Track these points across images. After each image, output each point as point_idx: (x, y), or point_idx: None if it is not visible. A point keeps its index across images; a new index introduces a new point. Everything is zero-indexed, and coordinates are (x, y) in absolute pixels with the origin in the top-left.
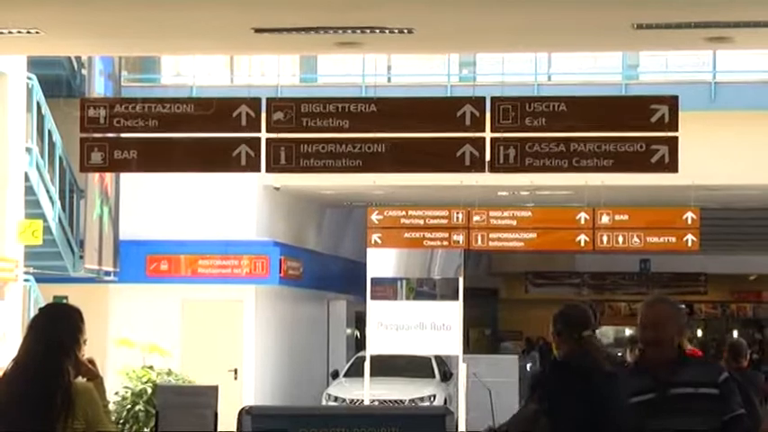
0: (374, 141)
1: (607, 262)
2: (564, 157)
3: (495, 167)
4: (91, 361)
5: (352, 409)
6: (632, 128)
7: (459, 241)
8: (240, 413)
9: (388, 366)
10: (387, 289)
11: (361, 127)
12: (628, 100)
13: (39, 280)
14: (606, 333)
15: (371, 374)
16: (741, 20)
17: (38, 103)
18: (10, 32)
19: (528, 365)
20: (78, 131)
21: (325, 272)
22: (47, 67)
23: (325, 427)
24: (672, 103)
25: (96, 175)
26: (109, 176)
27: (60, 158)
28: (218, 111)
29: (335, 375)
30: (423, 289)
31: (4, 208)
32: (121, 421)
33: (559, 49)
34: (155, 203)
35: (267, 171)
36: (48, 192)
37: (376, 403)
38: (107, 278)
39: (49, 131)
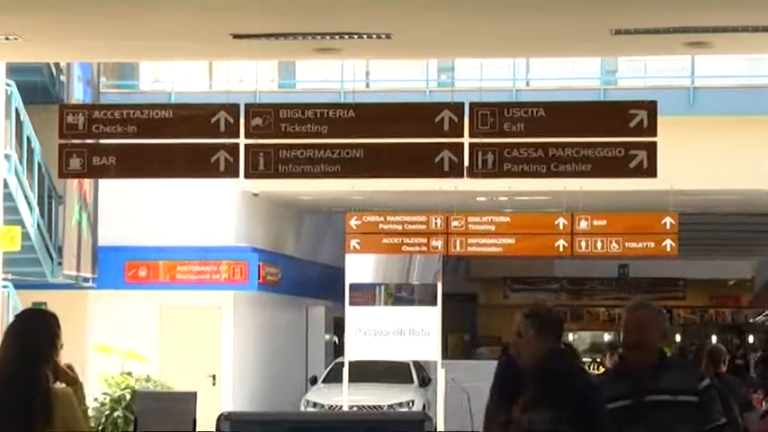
0: (353, 147)
1: (585, 267)
2: (542, 163)
3: (473, 173)
4: (69, 367)
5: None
6: (611, 133)
7: (437, 247)
8: (218, 419)
9: (367, 372)
10: (365, 294)
11: (339, 133)
12: (606, 105)
13: (17, 286)
14: (584, 339)
15: (350, 380)
16: (720, 25)
17: (16, 110)
18: None
19: None
20: (57, 138)
21: (304, 278)
22: (25, 73)
23: None
24: (650, 108)
25: (75, 181)
26: (87, 182)
27: (39, 165)
28: (197, 117)
29: (314, 381)
30: (401, 294)
31: None
32: (100, 427)
33: (538, 54)
34: (133, 209)
35: (246, 177)
36: (26, 198)
37: (354, 409)
38: (86, 284)
39: (28, 138)
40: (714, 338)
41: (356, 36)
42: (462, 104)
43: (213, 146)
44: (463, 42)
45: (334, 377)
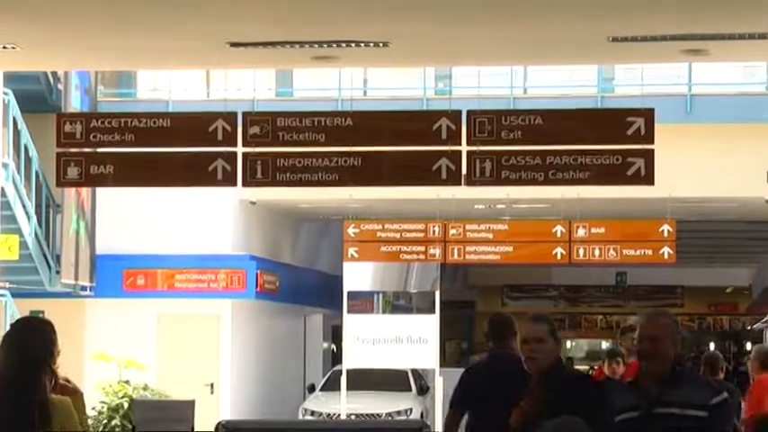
0: (350, 155)
1: (583, 275)
2: (540, 170)
3: (471, 181)
4: (66, 380)
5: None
6: (608, 140)
7: (435, 254)
8: (217, 427)
9: (365, 380)
10: (363, 303)
11: (337, 141)
12: (604, 113)
13: (15, 295)
14: (581, 346)
15: (348, 388)
16: (716, 32)
17: (14, 118)
18: None
19: None
20: (54, 146)
21: (302, 286)
22: (23, 82)
23: None
24: (648, 115)
25: (73, 190)
26: (85, 191)
27: (37, 173)
28: (195, 125)
29: (312, 389)
30: (399, 302)
31: None
32: None
33: (535, 62)
34: (131, 218)
35: (243, 185)
36: (24, 207)
37: (353, 417)
38: (83, 293)
39: (26, 146)
40: (712, 346)
41: (354, 44)
42: (460, 112)
43: (211, 154)
44: (461, 50)
45: (332, 385)
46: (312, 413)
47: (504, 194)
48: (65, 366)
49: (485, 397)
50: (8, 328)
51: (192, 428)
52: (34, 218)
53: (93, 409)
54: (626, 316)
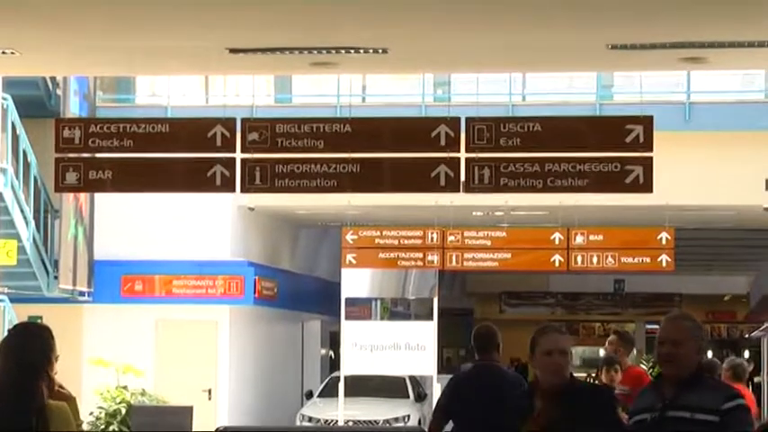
0: (349, 162)
1: (581, 282)
2: (539, 178)
3: (469, 188)
4: (60, 386)
5: (327, 430)
6: (607, 148)
7: (433, 261)
8: None
9: (363, 386)
10: (361, 309)
11: (335, 147)
12: (602, 120)
13: (13, 300)
14: (578, 354)
15: (346, 395)
16: (715, 40)
17: (13, 124)
18: None
19: None
20: (53, 151)
21: (300, 292)
22: (22, 87)
23: None
24: (647, 123)
25: (71, 196)
26: (83, 196)
27: (35, 178)
28: (193, 131)
29: (310, 395)
30: (397, 309)
31: None
32: None
33: (534, 69)
34: (129, 224)
35: (242, 191)
36: (22, 212)
37: (350, 424)
38: (81, 298)
39: (24, 152)
40: (710, 354)
41: (353, 51)
42: (459, 119)
43: (209, 160)
44: (460, 57)
45: (329, 391)
46: (310, 419)
47: (503, 201)
48: (62, 372)
49: (469, 406)
50: (6, 333)
51: None
52: (32, 223)
53: (91, 414)
54: (624, 323)
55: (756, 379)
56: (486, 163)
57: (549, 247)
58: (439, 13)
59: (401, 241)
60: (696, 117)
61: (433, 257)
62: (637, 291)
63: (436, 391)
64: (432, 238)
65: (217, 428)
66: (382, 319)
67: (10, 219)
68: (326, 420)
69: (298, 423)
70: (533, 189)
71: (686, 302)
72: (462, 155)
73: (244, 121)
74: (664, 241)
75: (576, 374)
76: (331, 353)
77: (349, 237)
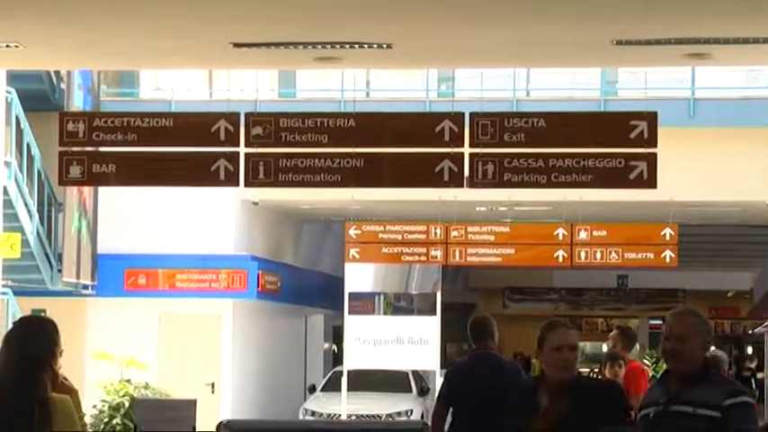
0: (352, 156)
1: (584, 277)
2: (542, 173)
3: (473, 183)
4: (63, 378)
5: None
6: (611, 144)
7: (436, 256)
8: (218, 427)
9: (366, 381)
10: (364, 304)
11: (339, 142)
12: (607, 116)
13: (17, 293)
14: (582, 349)
15: (348, 389)
16: (720, 36)
17: (17, 117)
18: None
19: None
20: (57, 145)
21: (303, 286)
22: (26, 80)
23: None
24: (651, 119)
25: (75, 189)
26: (87, 190)
27: (39, 172)
28: (197, 125)
29: (312, 390)
30: (400, 304)
31: None
32: None
33: (539, 64)
34: (133, 217)
35: (246, 185)
36: (26, 205)
37: (353, 418)
38: (85, 291)
39: (28, 145)
40: (713, 349)
41: (357, 46)
42: (463, 114)
43: (213, 154)
44: (464, 52)
45: (332, 386)
46: (313, 413)
47: (506, 197)
48: (65, 365)
49: (465, 392)
50: (10, 326)
51: (194, 428)
52: (36, 216)
53: (95, 407)
54: (627, 319)
55: (760, 375)
56: (489, 158)
57: (552, 243)
58: (443, 8)
59: (404, 236)
60: (700, 113)
61: (437, 252)
62: (640, 286)
63: (439, 386)
64: (435, 234)
65: (220, 422)
66: (385, 313)
67: (14, 212)
68: (329, 414)
69: (301, 417)
70: (537, 184)
71: (690, 298)
72: (466, 150)
73: (248, 115)
74: (668, 237)
75: (579, 370)
76: (334, 347)
77: (352, 231)
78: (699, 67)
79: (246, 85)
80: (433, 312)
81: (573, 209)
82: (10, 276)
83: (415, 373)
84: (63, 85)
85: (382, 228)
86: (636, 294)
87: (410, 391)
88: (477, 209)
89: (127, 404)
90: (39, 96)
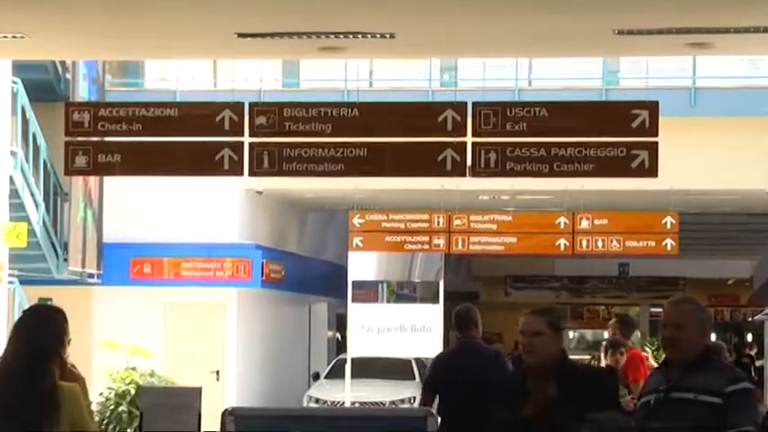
0: (356, 146)
1: (586, 266)
2: (545, 162)
3: (476, 172)
4: (72, 365)
5: (334, 411)
6: (613, 133)
7: (439, 245)
8: (223, 414)
9: (369, 368)
10: (368, 292)
11: (343, 131)
12: (608, 105)
13: (23, 282)
14: (584, 336)
15: (352, 376)
16: (721, 26)
17: (22, 107)
18: None
19: None
20: (62, 135)
21: (307, 275)
22: (31, 71)
23: (306, 429)
24: (652, 108)
25: (80, 179)
26: (93, 180)
27: (45, 162)
28: (202, 115)
29: (316, 377)
30: (403, 292)
31: None
32: (105, 422)
33: (541, 54)
34: (138, 206)
35: (250, 175)
36: (32, 195)
37: (357, 405)
38: (91, 280)
39: (34, 135)
40: (713, 336)
41: (360, 35)
42: (465, 104)
43: (218, 144)
44: (466, 42)
45: (336, 373)
46: (317, 401)
47: (509, 185)
48: (73, 353)
49: (451, 379)
50: (18, 314)
51: (199, 415)
52: (42, 206)
53: (101, 395)
54: (628, 307)
55: (759, 362)
56: (492, 147)
57: (554, 231)
58: None
59: (407, 225)
60: (701, 102)
61: (439, 241)
62: (641, 274)
63: None
64: (438, 222)
65: (225, 409)
66: (389, 301)
67: (20, 202)
68: (333, 402)
69: (305, 404)
70: (539, 173)
71: (690, 286)
72: (469, 139)
73: (252, 105)
74: (668, 225)
75: (580, 357)
76: (338, 335)
77: (356, 220)
78: (700, 56)
79: (251, 75)
80: (435, 300)
81: (574, 198)
82: (16, 265)
83: (418, 360)
84: (68, 76)
85: (385, 217)
86: (637, 282)
87: (413, 378)
88: (480, 198)
89: (133, 391)
90: (44, 87)
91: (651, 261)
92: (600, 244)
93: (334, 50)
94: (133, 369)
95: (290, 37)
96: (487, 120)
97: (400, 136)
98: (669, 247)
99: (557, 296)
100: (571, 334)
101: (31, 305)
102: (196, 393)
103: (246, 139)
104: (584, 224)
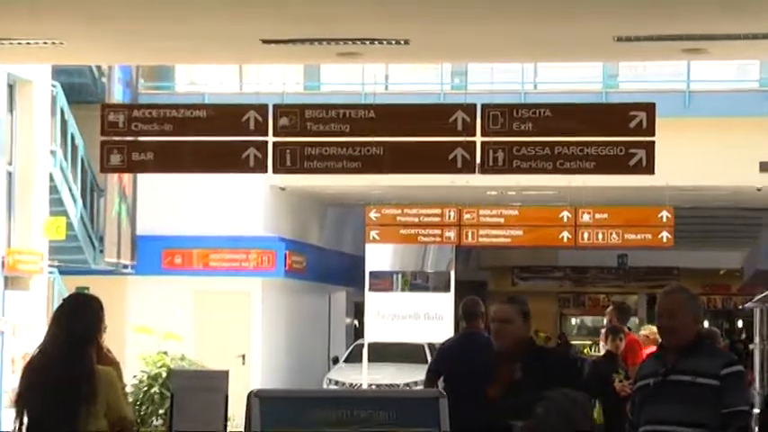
0: (372, 145)
1: (587, 257)
2: (549, 160)
3: (484, 169)
4: (108, 350)
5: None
6: (612, 133)
7: (450, 237)
8: (249, 396)
9: (385, 353)
10: (384, 281)
11: (360, 131)
12: (608, 107)
13: (62, 272)
14: (585, 323)
15: (369, 360)
16: (715, 33)
17: (61, 109)
18: (36, 43)
19: None
20: (99, 135)
21: (327, 265)
22: (70, 75)
23: (327, 409)
24: (649, 109)
25: (115, 176)
26: (127, 176)
27: (82, 160)
28: (229, 116)
29: (336, 361)
30: (417, 282)
31: (30, 206)
32: (138, 403)
33: (546, 59)
34: (170, 201)
35: (273, 172)
36: (70, 191)
37: (373, 387)
38: (125, 270)
39: (72, 135)
40: (706, 323)
41: (376, 42)
42: (474, 106)
43: (244, 143)
44: (476, 48)
45: (354, 357)
46: (336, 383)
47: (515, 182)
48: (109, 339)
49: (453, 367)
50: (56, 302)
51: (226, 397)
52: (80, 201)
53: (135, 377)
54: (626, 295)
55: (750, 346)
56: (499, 146)
57: (557, 225)
58: (457, 7)
59: (421, 219)
60: (695, 104)
61: (451, 234)
62: (639, 265)
63: None
64: (449, 216)
65: (250, 391)
66: (403, 290)
67: (59, 197)
68: (351, 383)
69: (324, 386)
70: (544, 171)
71: (684, 276)
72: (478, 139)
73: (275, 107)
74: (664, 219)
75: (582, 342)
76: (355, 322)
77: (372, 214)
78: (694, 61)
79: (274, 79)
80: (447, 289)
81: (577, 193)
82: (56, 257)
83: (430, 345)
84: (104, 80)
85: (400, 211)
86: (635, 272)
87: (426, 362)
88: (488, 193)
89: (164, 374)
90: (82, 90)
91: (648, 252)
92: (600, 237)
93: (351, 56)
94: (165, 353)
95: (311, 43)
96: (495, 120)
97: (414, 136)
98: (665, 240)
99: (560, 285)
100: (573, 320)
101: (70, 294)
102: (223, 376)
103: (270, 139)
104: (586, 218)
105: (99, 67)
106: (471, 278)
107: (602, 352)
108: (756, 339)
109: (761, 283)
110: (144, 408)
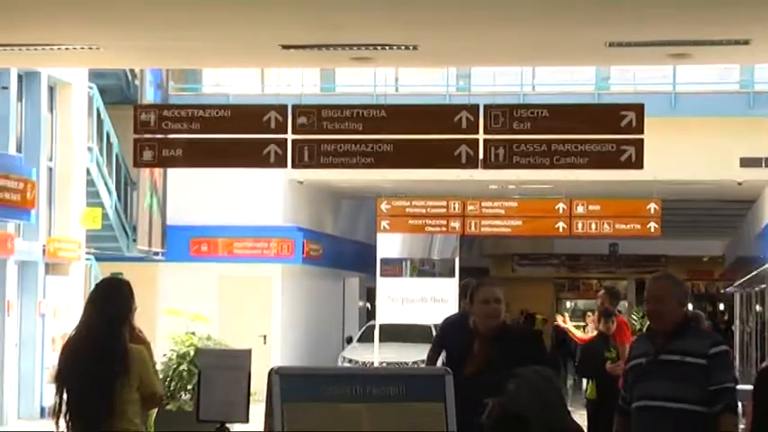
0: (383, 142)
1: (581, 245)
2: (546, 156)
3: (486, 164)
4: (139, 330)
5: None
6: (604, 131)
7: (455, 227)
8: (270, 373)
9: (395, 333)
10: (394, 268)
11: (372, 129)
12: (600, 107)
13: (98, 259)
14: (579, 306)
15: (380, 340)
16: (700, 39)
17: (98, 109)
18: (75, 48)
19: None
20: (132, 133)
21: (342, 253)
22: (105, 78)
23: (342, 385)
24: (638, 110)
25: (147, 170)
26: (158, 171)
27: (117, 156)
28: (251, 116)
29: (349, 341)
30: (424, 268)
31: (69, 198)
32: (168, 379)
33: (543, 63)
34: (197, 194)
35: (292, 167)
36: (106, 184)
37: (384, 364)
38: (156, 258)
39: (107, 133)
40: (690, 306)
41: (387, 47)
42: (477, 106)
43: (265, 140)
44: (480, 53)
45: (366, 337)
46: (350, 361)
47: (515, 176)
48: (141, 320)
49: (451, 343)
50: (94, 286)
51: (249, 374)
52: (114, 194)
53: (165, 356)
54: (617, 280)
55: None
56: (500, 143)
57: (554, 216)
58: (462, 15)
59: (428, 210)
60: (681, 105)
61: (455, 224)
62: (629, 253)
63: None
64: (454, 208)
65: (271, 368)
66: (411, 276)
67: (95, 190)
68: (364, 362)
69: (339, 364)
70: (541, 166)
71: (670, 263)
72: (480, 137)
73: (294, 107)
74: (652, 210)
75: (576, 324)
76: (368, 305)
77: (383, 206)
78: (680, 65)
79: (293, 81)
80: (451, 275)
81: (571, 187)
82: (93, 245)
83: (436, 326)
84: (137, 82)
85: (409, 203)
86: (625, 259)
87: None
88: (490, 187)
89: (192, 353)
90: (116, 91)
91: (637, 241)
92: (593, 226)
93: (364, 60)
94: (192, 333)
95: (327, 49)
96: (497, 120)
97: (421, 134)
98: (653, 230)
99: (556, 271)
100: (568, 304)
101: (102, 278)
102: (246, 354)
103: (289, 137)
104: (580, 210)
105: (132, 71)
106: (474, 265)
107: (590, 332)
108: (737, 321)
109: (741, 269)
110: (173, 383)
